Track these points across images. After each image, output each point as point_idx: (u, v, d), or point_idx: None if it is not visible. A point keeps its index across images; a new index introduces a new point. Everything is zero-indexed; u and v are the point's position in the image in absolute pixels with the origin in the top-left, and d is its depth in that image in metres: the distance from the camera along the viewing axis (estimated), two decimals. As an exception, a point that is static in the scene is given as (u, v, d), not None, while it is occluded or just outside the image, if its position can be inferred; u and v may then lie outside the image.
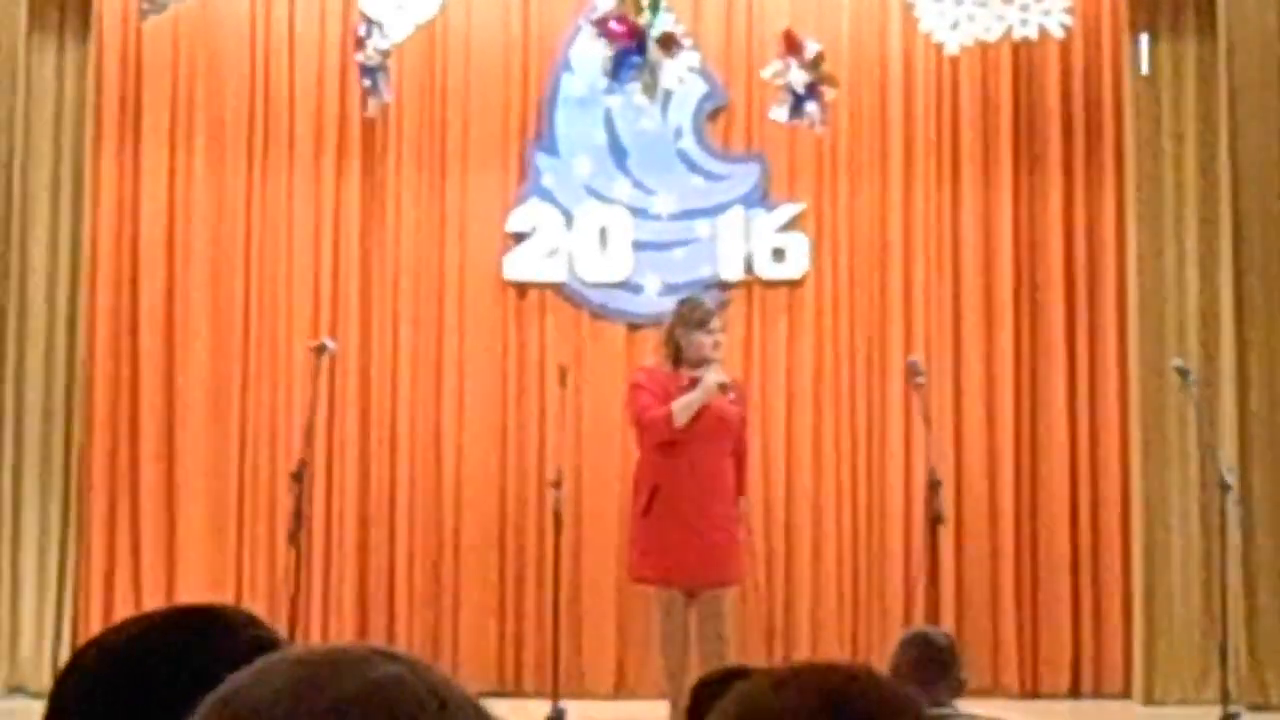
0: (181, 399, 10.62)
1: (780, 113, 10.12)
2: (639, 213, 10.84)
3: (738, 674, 2.57)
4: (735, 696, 1.66)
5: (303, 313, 10.69)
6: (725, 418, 8.73)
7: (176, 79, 10.80)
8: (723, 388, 8.70)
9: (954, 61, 10.69)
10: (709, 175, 10.92)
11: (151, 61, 10.77)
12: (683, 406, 8.61)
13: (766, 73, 10.23)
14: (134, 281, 10.67)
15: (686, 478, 8.64)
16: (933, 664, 5.31)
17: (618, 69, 9.92)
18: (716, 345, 8.80)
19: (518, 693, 10.23)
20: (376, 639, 9.29)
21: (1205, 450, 9.99)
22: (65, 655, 10.18)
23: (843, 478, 10.70)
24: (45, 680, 9.99)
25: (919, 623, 9.35)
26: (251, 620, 1.79)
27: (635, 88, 10.04)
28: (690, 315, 8.84)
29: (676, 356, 8.77)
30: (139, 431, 10.60)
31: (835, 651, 10.20)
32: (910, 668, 5.20)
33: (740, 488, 8.91)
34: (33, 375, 10.44)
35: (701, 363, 8.74)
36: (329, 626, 10.44)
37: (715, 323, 8.86)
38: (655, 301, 10.53)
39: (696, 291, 9.98)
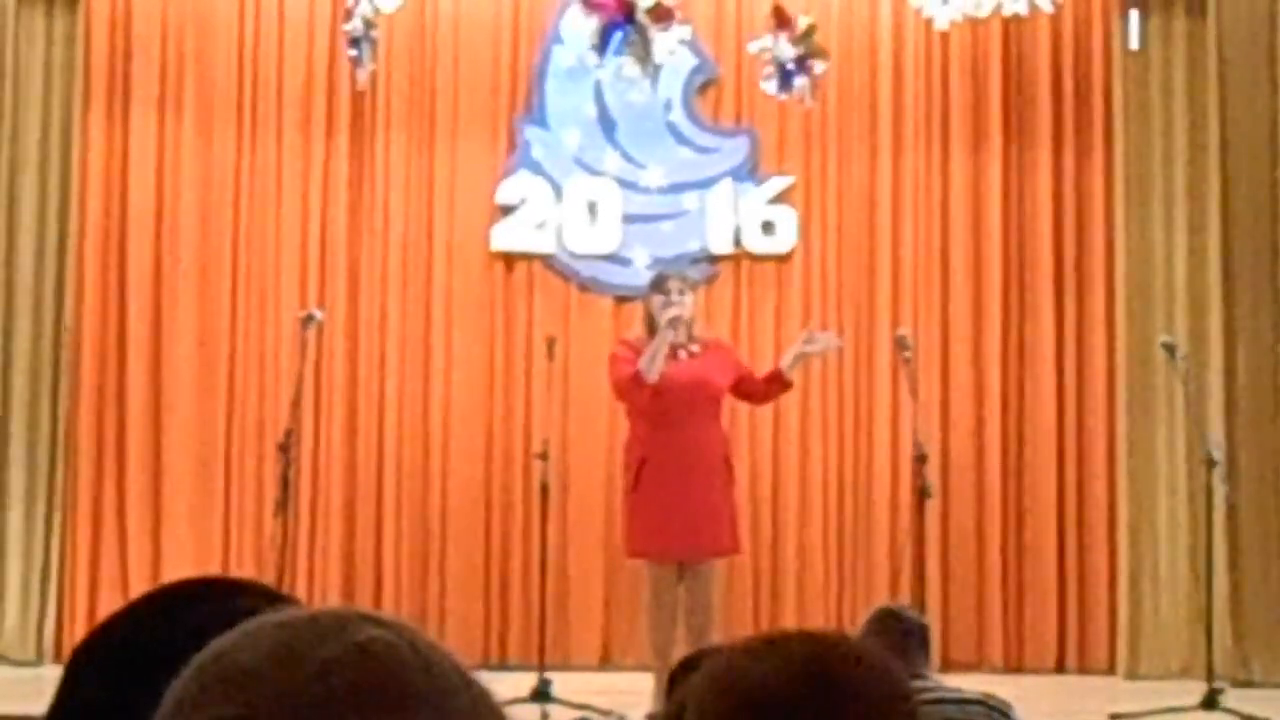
0: (169, 367, 10.59)
1: (769, 85, 10.11)
2: (628, 185, 10.82)
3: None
4: (714, 665, 1.66)
5: (291, 282, 10.67)
6: (703, 380, 8.80)
7: (166, 47, 10.76)
8: (673, 322, 8.75)
9: (944, 36, 10.67)
10: (698, 148, 10.90)
11: (141, 29, 10.72)
12: (648, 359, 8.69)
13: (753, 48, 10.21)
14: (122, 250, 10.64)
15: (672, 449, 8.68)
16: (909, 637, 5.31)
17: (605, 42, 9.90)
18: (669, 305, 8.84)
19: (503, 664, 10.23)
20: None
21: (1192, 426, 9.99)
22: (50, 626, 10.20)
23: (829, 451, 10.70)
24: (30, 650, 10.00)
25: (905, 597, 9.37)
26: (270, 595, 1.76)
27: (626, 60, 10.01)
28: (654, 283, 9.07)
29: (650, 326, 8.92)
30: (126, 400, 10.57)
31: (821, 625, 10.20)
32: (887, 641, 5.19)
33: (774, 376, 9.17)
34: (20, 343, 10.41)
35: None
36: (315, 597, 10.42)
37: (673, 284, 8.96)
38: (643, 274, 10.51)
39: (680, 265, 10.09)
